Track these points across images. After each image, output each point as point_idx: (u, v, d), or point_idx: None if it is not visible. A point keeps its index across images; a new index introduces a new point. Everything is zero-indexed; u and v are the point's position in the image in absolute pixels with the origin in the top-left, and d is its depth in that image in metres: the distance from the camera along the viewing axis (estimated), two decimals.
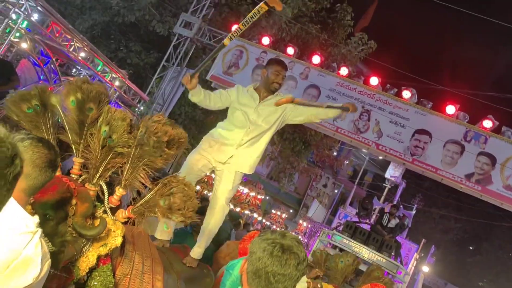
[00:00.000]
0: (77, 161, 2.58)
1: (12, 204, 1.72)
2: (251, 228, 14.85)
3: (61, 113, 2.55)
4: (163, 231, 3.88)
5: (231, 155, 3.98)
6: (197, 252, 3.83)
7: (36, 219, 1.80)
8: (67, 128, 2.56)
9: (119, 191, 2.64)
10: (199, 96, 3.96)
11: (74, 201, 2.27)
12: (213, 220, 3.98)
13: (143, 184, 2.64)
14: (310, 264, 4.82)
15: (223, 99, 4.11)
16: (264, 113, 4.04)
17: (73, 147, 2.59)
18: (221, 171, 4.04)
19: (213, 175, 4.25)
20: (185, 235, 4.49)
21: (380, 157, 12.74)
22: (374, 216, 13.60)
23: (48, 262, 1.81)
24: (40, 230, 1.78)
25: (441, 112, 10.70)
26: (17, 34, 8.50)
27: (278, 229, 24.76)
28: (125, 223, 2.75)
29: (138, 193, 2.74)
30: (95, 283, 2.46)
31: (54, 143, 2.45)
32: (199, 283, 3.58)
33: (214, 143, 4.02)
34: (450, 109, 10.55)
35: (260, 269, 1.81)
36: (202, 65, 3.92)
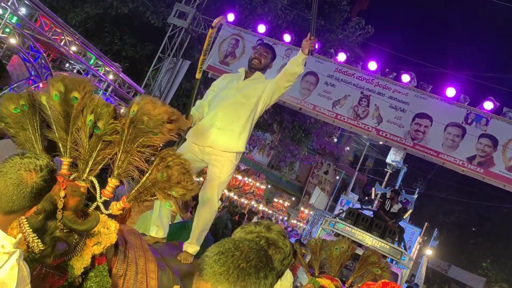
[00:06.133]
0: (65, 160, 2.45)
1: None
2: (256, 217, 14.83)
3: (48, 110, 2.43)
4: (158, 227, 3.71)
5: (212, 137, 3.74)
6: (191, 249, 3.67)
7: (15, 239, 1.67)
8: (53, 125, 2.45)
9: (111, 182, 2.48)
10: (201, 118, 3.89)
11: (62, 194, 2.16)
12: (202, 219, 3.77)
13: (138, 169, 2.51)
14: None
15: (210, 97, 4.03)
16: (243, 88, 3.92)
17: (60, 145, 2.48)
18: (209, 161, 3.82)
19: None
20: (181, 229, 4.37)
21: (381, 143, 12.65)
22: (376, 202, 13.53)
23: None
24: (18, 251, 1.65)
25: (441, 95, 10.63)
26: (7, 30, 8.32)
27: (281, 217, 24.83)
28: (118, 216, 2.62)
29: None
30: (91, 284, 2.33)
31: (40, 143, 2.35)
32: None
33: (194, 132, 3.86)
34: (450, 91, 10.48)
35: None
36: (191, 103, 3.80)
